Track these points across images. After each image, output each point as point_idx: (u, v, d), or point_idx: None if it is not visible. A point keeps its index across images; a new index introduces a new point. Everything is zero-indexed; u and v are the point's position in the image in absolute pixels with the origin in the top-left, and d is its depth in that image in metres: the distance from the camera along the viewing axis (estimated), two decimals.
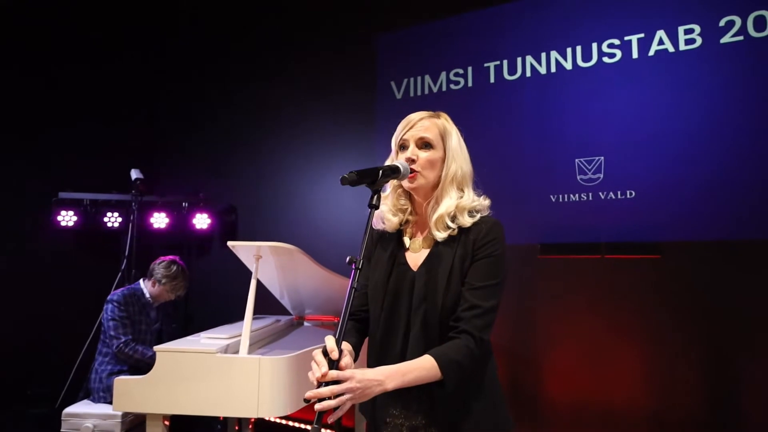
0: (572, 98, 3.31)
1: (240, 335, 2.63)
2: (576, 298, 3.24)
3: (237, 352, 2.44)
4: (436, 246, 1.40)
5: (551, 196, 3.31)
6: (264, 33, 4.67)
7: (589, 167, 3.21)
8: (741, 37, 2.88)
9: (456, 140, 1.42)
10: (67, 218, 4.20)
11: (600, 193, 3.17)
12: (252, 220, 4.63)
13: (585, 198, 3.21)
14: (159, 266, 3.28)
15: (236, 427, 3.31)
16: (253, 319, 3.43)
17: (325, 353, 1.15)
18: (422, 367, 1.23)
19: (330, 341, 1.16)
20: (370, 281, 1.44)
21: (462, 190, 1.39)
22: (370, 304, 1.43)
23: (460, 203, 1.36)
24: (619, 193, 3.11)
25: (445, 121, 1.44)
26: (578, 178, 3.24)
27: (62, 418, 2.94)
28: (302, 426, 4.07)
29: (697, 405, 2.88)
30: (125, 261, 4.17)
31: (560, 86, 3.35)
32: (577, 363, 3.22)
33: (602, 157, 3.18)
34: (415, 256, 1.42)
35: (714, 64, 2.94)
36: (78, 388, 3.59)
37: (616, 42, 3.20)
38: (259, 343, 2.78)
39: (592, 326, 3.18)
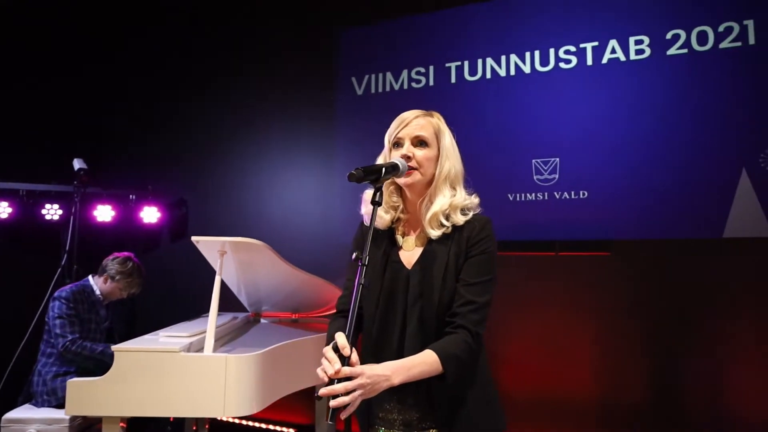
0: (530, 101, 3.43)
1: (201, 333, 2.57)
2: (531, 293, 3.36)
3: (200, 350, 2.37)
4: (430, 244, 1.42)
5: (509, 195, 3.42)
6: (221, 23, 4.53)
7: (546, 168, 3.34)
8: (685, 50, 3.08)
9: (449, 139, 1.45)
10: (0, 210, 3.91)
11: (555, 193, 3.30)
12: (203, 214, 4.49)
13: (541, 197, 3.34)
14: (113, 262, 3.13)
15: (194, 427, 3.21)
16: None
17: (335, 349, 1.15)
18: (425, 362, 1.25)
19: (341, 338, 1.15)
20: (364, 279, 1.45)
21: (454, 189, 1.42)
22: (364, 301, 1.43)
23: (453, 201, 1.39)
24: (573, 193, 3.26)
25: (438, 120, 1.47)
26: (535, 178, 3.36)
27: (1, 425, 2.74)
28: (258, 425, 4.00)
29: (643, 395, 3.07)
30: (66, 256, 3.92)
31: (519, 89, 3.46)
32: (531, 357, 3.35)
33: (558, 159, 3.31)
34: (409, 255, 1.43)
35: (661, 73, 3.13)
36: (14, 392, 3.35)
37: (572, 49, 3.34)
38: (220, 341, 2.71)
39: (546, 321, 3.32)
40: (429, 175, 1.42)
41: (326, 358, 1.15)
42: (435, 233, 1.38)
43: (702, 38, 3.05)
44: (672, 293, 3.05)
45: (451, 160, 1.43)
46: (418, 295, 1.37)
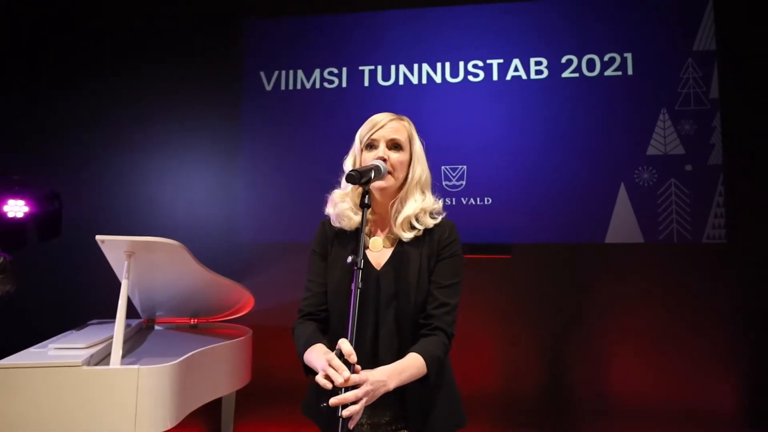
0: (440, 109, 3.58)
1: (98, 344, 2.30)
2: None
3: (101, 362, 2.12)
4: (401, 245, 1.41)
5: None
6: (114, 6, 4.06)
7: (454, 174, 3.50)
8: (577, 74, 3.44)
9: (419, 144, 1.47)
10: None
11: (462, 199, 3.48)
12: (79, 209, 3.98)
13: (449, 202, 3.50)
14: None
15: None
16: (100, 323, 3.02)
17: (339, 356, 1.10)
18: (414, 365, 1.25)
19: (346, 345, 1.10)
20: (331, 280, 1.40)
21: (424, 193, 1.44)
22: (333, 303, 1.38)
23: (423, 205, 1.41)
24: (478, 199, 3.46)
25: (410, 125, 1.47)
26: (443, 183, 3.52)
27: None
28: None
29: (539, 385, 3.36)
30: None
31: (430, 97, 3.60)
32: None
33: (465, 166, 3.50)
34: (377, 255, 1.42)
35: (556, 93, 3.46)
36: None
37: (480, 63, 3.55)
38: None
39: None
40: (401, 179, 1.43)
41: (332, 366, 1.10)
42: (407, 235, 1.39)
43: (591, 65, 3.43)
44: (562, 292, 3.37)
45: (422, 164, 1.45)
46: (393, 295, 1.36)
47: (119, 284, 2.95)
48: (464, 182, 3.48)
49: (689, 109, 3.30)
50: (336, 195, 1.44)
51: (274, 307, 3.52)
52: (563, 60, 3.46)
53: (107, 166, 3.94)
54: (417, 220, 1.41)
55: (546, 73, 3.48)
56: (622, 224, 3.29)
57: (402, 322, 1.36)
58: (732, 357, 3.18)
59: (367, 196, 1.27)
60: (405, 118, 1.49)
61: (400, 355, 1.31)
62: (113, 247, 2.26)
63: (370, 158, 1.39)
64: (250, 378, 2.96)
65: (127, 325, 3.01)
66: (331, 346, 1.38)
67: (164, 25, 3.94)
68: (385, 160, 1.38)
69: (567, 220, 3.35)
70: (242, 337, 2.86)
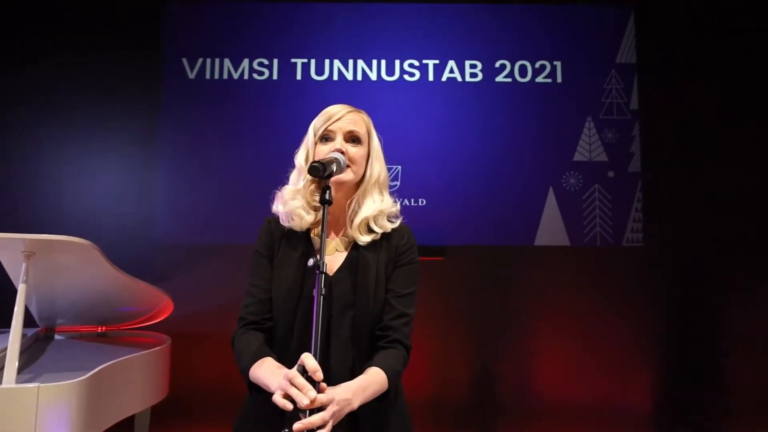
0: (376, 107, 3.48)
1: None
2: None
3: None
4: (356, 249, 1.31)
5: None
6: None
7: (389, 174, 3.43)
8: (510, 79, 3.50)
9: (377, 140, 1.37)
10: None
11: (397, 200, 3.41)
12: None
13: None
14: None
15: None
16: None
17: (302, 372, 0.96)
18: (377, 381, 1.14)
19: (311, 360, 0.97)
20: (277, 285, 1.25)
21: (382, 193, 1.35)
22: (279, 310, 1.24)
23: (382, 207, 1.31)
24: (413, 200, 3.42)
25: (368, 119, 1.37)
26: None
27: None
28: None
29: (469, 385, 3.37)
30: None
31: (365, 94, 3.51)
32: None
33: (400, 167, 3.44)
34: (329, 259, 1.29)
35: (490, 96, 3.49)
36: None
37: (416, 63, 3.51)
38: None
39: None
40: (359, 174, 1.32)
41: (295, 384, 0.95)
42: (364, 239, 1.29)
43: (523, 71, 3.50)
44: (494, 294, 3.41)
45: (380, 162, 1.36)
46: (350, 304, 1.25)
47: (14, 289, 2.59)
48: (399, 183, 3.43)
49: (612, 119, 3.46)
50: (286, 192, 1.31)
51: (194, 313, 3.26)
52: (497, 64, 3.51)
53: (8, 160, 3.46)
54: (375, 222, 1.30)
55: (480, 76, 3.50)
56: (551, 227, 3.39)
57: (358, 333, 1.25)
58: (649, 355, 3.37)
59: (328, 192, 1.15)
60: (363, 111, 1.39)
61: (353, 368, 1.21)
62: (8, 246, 1.96)
63: (325, 151, 1.27)
64: (168, 392, 2.70)
65: (22, 336, 2.66)
66: (279, 358, 1.24)
67: (79, 7, 3.53)
68: (342, 153, 1.27)
69: (499, 223, 3.40)
70: (159, 347, 2.60)
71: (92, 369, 1.99)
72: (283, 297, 1.25)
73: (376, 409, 1.22)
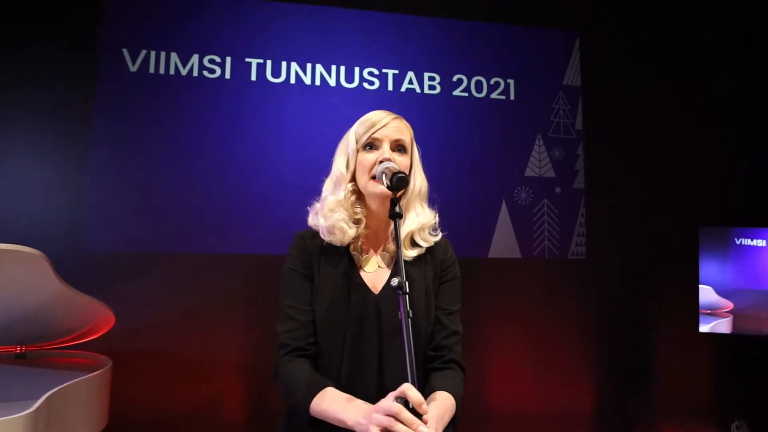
0: (333, 113, 3.40)
1: None
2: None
3: None
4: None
5: (307, 207, 3.29)
6: None
7: None
8: (466, 94, 3.56)
9: (417, 150, 1.30)
10: None
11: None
12: None
13: None
14: None
15: None
16: None
17: (405, 405, 0.86)
18: (449, 407, 1.07)
19: (413, 392, 0.87)
20: (320, 306, 1.14)
21: (423, 206, 1.28)
22: (324, 333, 1.12)
23: (424, 220, 1.25)
24: None
25: (410, 127, 1.30)
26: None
27: None
28: None
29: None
30: None
31: (323, 100, 3.40)
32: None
33: None
34: (372, 276, 1.20)
35: (446, 110, 3.53)
36: None
37: (376, 72, 3.47)
38: None
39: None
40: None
41: (401, 420, 0.85)
42: (410, 254, 1.21)
43: (478, 86, 3.57)
44: None
45: (421, 173, 1.30)
46: (400, 324, 1.16)
47: None
48: None
49: (559, 137, 3.63)
50: (327, 203, 1.21)
51: (131, 329, 2.96)
52: (454, 78, 3.56)
53: None
54: (419, 236, 1.24)
55: (438, 89, 3.53)
56: (503, 240, 3.47)
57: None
58: (591, 362, 3.54)
59: (398, 206, 1.07)
60: (404, 119, 1.32)
61: None
62: None
63: (370, 159, 1.18)
64: (107, 421, 2.41)
65: None
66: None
67: None
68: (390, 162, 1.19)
69: (455, 235, 3.39)
70: (102, 369, 2.31)
71: (35, 398, 1.73)
72: (329, 320, 1.14)
73: None
